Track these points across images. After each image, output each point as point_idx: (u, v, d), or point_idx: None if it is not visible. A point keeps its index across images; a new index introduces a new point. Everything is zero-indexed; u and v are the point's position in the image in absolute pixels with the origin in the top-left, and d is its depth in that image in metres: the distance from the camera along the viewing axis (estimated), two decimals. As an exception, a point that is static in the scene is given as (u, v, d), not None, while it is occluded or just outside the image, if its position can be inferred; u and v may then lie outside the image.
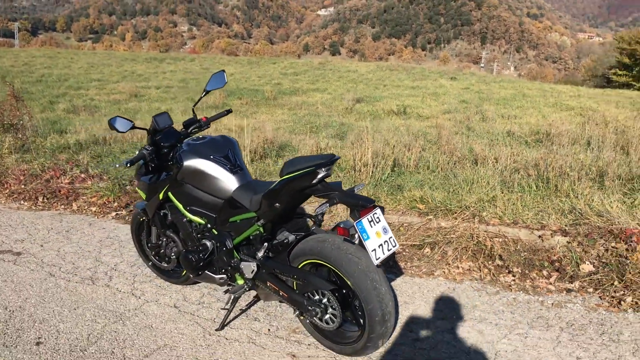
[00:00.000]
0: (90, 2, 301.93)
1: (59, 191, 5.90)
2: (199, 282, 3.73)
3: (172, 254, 3.57)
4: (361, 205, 2.52)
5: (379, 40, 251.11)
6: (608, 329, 3.16)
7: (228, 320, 3.19)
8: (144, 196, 3.33)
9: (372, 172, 5.71)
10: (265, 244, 2.91)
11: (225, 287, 3.27)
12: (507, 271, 4.00)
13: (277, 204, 2.71)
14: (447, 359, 2.85)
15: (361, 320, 2.73)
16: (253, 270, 2.92)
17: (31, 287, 3.70)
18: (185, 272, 3.60)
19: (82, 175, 6.18)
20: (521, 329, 3.18)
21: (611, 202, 4.56)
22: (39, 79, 21.48)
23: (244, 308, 3.36)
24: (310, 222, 2.98)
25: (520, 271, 3.96)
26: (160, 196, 3.22)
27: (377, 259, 2.51)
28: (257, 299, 3.36)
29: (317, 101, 17.68)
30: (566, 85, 32.35)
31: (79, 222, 5.17)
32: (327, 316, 2.75)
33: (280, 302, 3.07)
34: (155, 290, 3.68)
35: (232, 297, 3.13)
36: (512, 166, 6.00)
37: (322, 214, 2.84)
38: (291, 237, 2.94)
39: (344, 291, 2.72)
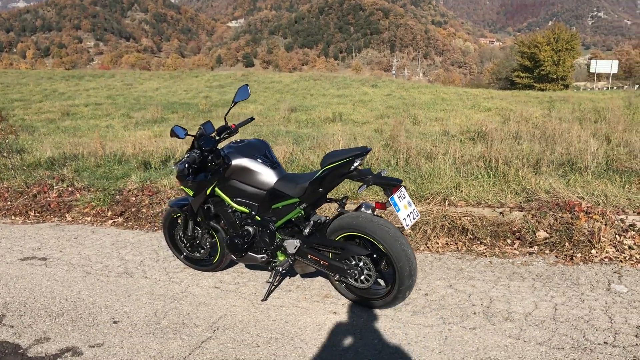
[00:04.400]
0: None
1: (49, 205, 6.19)
2: (227, 268, 4.28)
3: (207, 243, 4.12)
4: (392, 185, 3.21)
5: (292, 51, 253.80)
6: (568, 277, 4.01)
7: (268, 292, 3.77)
8: (191, 193, 3.84)
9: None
10: (311, 222, 3.54)
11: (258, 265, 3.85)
12: (478, 242, 4.80)
13: (320, 189, 3.36)
14: (454, 305, 3.58)
15: (388, 279, 3.42)
16: (296, 246, 3.54)
17: (76, 283, 4.11)
18: (217, 259, 4.16)
19: (70, 189, 6.48)
20: (503, 282, 3.96)
21: (551, 182, 5.50)
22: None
23: (275, 283, 3.95)
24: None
25: (489, 241, 4.77)
26: (208, 191, 3.75)
27: (407, 225, 3.22)
28: (283, 275, 3.95)
29: (252, 112, 18.23)
30: (478, 88, 34.65)
31: (81, 231, 5.53)
32: (362, 277, 3.41)
33: (316, 272, 3.69)
34: (191, 277, 4.20)
35: (275, 271, 3.73)
36: (461, 159, 6.89)
37: (346, 197, 3.55)
38: (322, 218, 3.60)
39: (375, 255, 3.39)
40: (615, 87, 57.77)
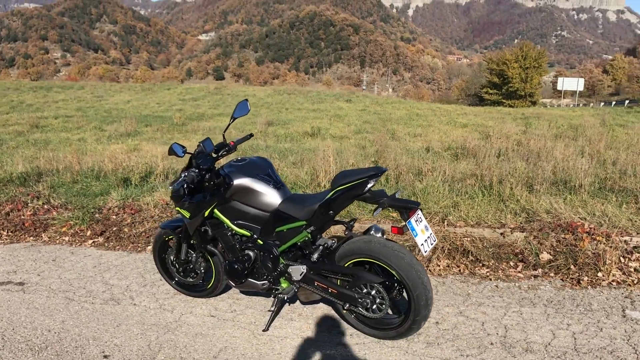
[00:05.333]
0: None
1: (24, 224, 5.83)
2: (221, 294, 4.02)
3: (201, 268, 3.85)
4: (410, 208, 3.01)
5: (263, 65, 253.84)
6: (579, 302, 3.86)
7: (270, 321, 3.51)
8: (187, 215, 3.56)
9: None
10: (320, 247, 3.31)
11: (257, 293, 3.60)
12: (481, 265, 4.63)
13: (331, 212, 3.14)
14: (469, 334, 3.38)
15: (401, 308, 3.21)
16: (302, 273, 3.30)
17: (59, 311, 3.79)
18: (211, 285, 3.89)
19: (45, 207, 6.12)
20: (514, 308, 3.79)
21: (551, 202, 5.39)
22: None
23: (274, 311, 3.70)
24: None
25: (492, 264, 4.61)
26: (207, 213, 3.49)
27: (425, 252, 3.02)
28: (281, 303, 3.70)
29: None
30: (450, 104, 34.98)
31: (59, 252, 5.19)
32: (374, 306, 3.19)
33: (319, 298, 3.45)
34: (184, 304, 3.92)
35: (277, 299, 3.47)
36: (452, 177, 6.75)
37: (354, 220, 3.34)
38: (330, 242, 3.38)
39: (388, 283, 3.18)
40: (581, 104, 59.09)
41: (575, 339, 3.29)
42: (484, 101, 65.78)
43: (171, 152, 3.42)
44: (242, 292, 4.12)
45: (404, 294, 3.24)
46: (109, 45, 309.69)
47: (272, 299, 3.80)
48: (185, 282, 4.00)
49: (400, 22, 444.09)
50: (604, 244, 4.59)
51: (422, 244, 3.04)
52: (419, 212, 3.10)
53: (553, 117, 21.13)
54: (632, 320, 3.55)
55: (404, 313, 3.24)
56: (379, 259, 3.09)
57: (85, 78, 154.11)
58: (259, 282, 3.50)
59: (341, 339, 3.36)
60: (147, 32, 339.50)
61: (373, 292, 3.18)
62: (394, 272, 3.08)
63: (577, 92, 57.00)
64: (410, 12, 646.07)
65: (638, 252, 4.53)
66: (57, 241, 5.53)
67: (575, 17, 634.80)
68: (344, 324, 3.53)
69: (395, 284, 3.20)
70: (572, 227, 4.83)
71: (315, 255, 3.30)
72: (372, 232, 3.28)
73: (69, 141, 13.30)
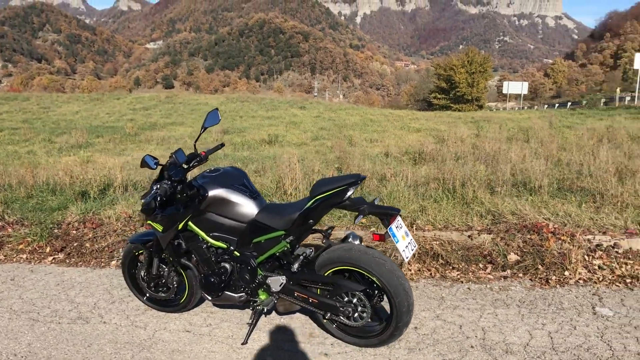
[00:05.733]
0: None
1: (-25, 242, 5.54)
2: (194, 308, 3.91)
3: (174, 282, 3.74)
4: (390, 214, 2.99)
5: (213, 73, 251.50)
6: (551, 302, 3.93)
7: (249, 334, 3.43)
8: (160, 228, 3.44)
9: (305, 194, 6.17)
10: (300, 257, 3.26)
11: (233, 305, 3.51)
12: (451, 268, 4.67)
13: (311, 220, 3.10)
14: (449, 338, 3.39)
15: (382, 315, 3.20)
16: (281, 284, 3.24)
17: (24, 333, 3.60)
18: (184, 299, 3.78)
19: (0, 223, 5.84)
20: (489, 310, 3.83)
21: (516, 203, 5.50)
22: None
23: (252, 324, 3.62)
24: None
25: (462, 267, 4.66)
26: (180, 226, 3.38)
27: (406, 258, 3.01)
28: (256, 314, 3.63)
29: (182, 134, 17.66)
30: (402, 110, 35.46)
31: (17, 270, 4.95)
32: (356, 314, 3.16)
33: (301, 310, 3.40)
34: (156, 320, 3.79)
35: (256, 311, 3.39)
36: (415, 181, 6.81)
37: (332, 228, 3.32)
38: (308, 250, 3.33)
39: (369, 290, 3.16)
40: (525, 107, 60.89)
41: (551, 338, 3.34)
42: (432, 106, 66.97)
43: (144, 164, 3.32)
44: (215, 305, 4.02)
45: (384, 300, 3.23)
46: (53, 54, 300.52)
47: (248, 311, 3.73)
48: (157, 297, 3.87)
49: (349, 29, 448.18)
50: (569, 243, 4.71)
51: (404, 250, 3.03)
52: (399, 218, 3.09)
53: (502, 120, 21.66)
54: (603, 317, 3.64)
55: (385, 320, 3.23)
56: (360, 266, 3.07)
57: (29, 89, 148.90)
58: (236, 295, 3.42)
59: (322, 348, 3.31)
60: (93, 41, 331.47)
61: (354, 300, 3.15)
62: (375, 279, 3.06)
63: (522, 95, 58.84)
64: (358, 19, 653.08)
65: (601, 250, 4.66)
66: (15, 259, 5.27)
67: (517, 22, 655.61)
68: (324, 334, 3.49)
69: (376, 291, 3.18)
70: (537, 227, 4.94)
71: (296, 265, 3.25)
72: (350, 239, 3.25)
73: (17, 154, 12.78)
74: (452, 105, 64.19)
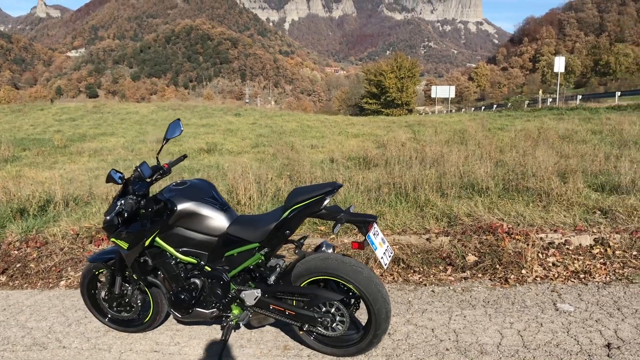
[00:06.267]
0: None
1: None
2: (158, 327, 3.76)
3: (138, 301, 3.58)
4: (368, 222, 2.98)
5: (139, 80, 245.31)
6: (514, 300, 4.04)
7: (221, 352, 3.32)
8: (125, 246, 3.27)
9: (259, 203, 6.08)
10: (278, 269, 3.19)
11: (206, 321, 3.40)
12: (412, 271, 4.72)
13: (287, 231, 3.04)
14: (423, 342, 3.41)
15: (358, 324, 3.18)
16: (256, 297, 3.16)
17: (-25, 366, 3.34)
18: (148, 318, 3.63)
19: None
20: (456, 311, 3.89)
21: (470, 205, 5.64)
22: None
23: (225, 340, 3.52)
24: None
25: (423, 269, 4.72)
26: (147, 242, 3.23)
27: (385, 264, 3.01)
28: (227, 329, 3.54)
29: (115, 145, 17.11)
30: (336, 115, 35.78)
31: (-46, 297, 4.61)
32: (334, 324, 3.12)
33: (275, 323, 3.32)
34: (120, 341, 3.61)
35: (227, 327, 3.28)
36: (367, 187, 6.86)
37: (305, 237, 3.28)
38: (281, 262, 3.27)
39: (346, 299, 3.13)
40: (453, 110, 62.86)
41: (521, 336, 3.43)
42: (364, 111, 68.01)
43: (109, 179, 3.16)
44: (181, 322, 3.88)
45: (360, 309, 3.22)
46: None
47: (215, 326, 3.64)
48: (120, 317, 3.69)
49: (278, 35, 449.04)
50: (523, 242, 4.87)
51: (382, 257, 3.02)
52: (375, 225, 3.08)
53: (435, 124, 22.20)
54: (565, 312, 3.77)
55: (363, 328, 3.21)
56: (338, 275, 3.03)
57: None
58: (207, 311, 3.31)
59: (299, 361, 3.26)
60: (9, 50, 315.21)
61: (332, 310, 3.12)
62: (352, 287, 3.04)
63: (449, 99, 60.69)
64: (287, 25, 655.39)
65: (553, 248, 4.85)
66: (-53, 284, 4.91)
67: (440, 28, 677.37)
68: (299, 345, 3.43)
69: (354, 300, 3.16)
70: (492, 228, 5.07)
71: (273, 278, 3.17)
72: (323, 248, 3.22)
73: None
74: (383, 110, 65.39)
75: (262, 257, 3.15)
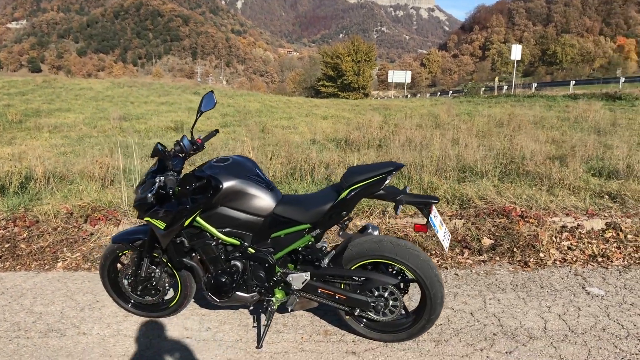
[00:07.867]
0: None
1: None
2: (181, 311, 3.55)
3: (166, 285, 3.36)
4: (430, 203, 2.85)
5: (86, 56, 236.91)
6: (542, 284, 4.01)
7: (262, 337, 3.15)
8: (162, 226, 3.02)
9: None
10: (332, 252, 3.02)
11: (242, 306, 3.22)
12: (429, 254, 4.64)
13: (344, 212, 2.88)
14: (467, 327, 3.33)
15: (409, 308, 3.07)
16: (304, 281, 2.99)
17: (-7, 355, 3.05)
18: (174, 302, 3.42)
19: None
20: (488, 295, 3.83)
21: (480, 187, 5.60)
22: None
23: (255, 325, 3.36)
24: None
25: (439, 253, 4.65)
26: (187, 222, 3.00)
27: (446, 247, 2.90)
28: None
29: (75, 122, 16.39)
30: (297, 97, 35.47)
31: (-56, 281, 4.24)
32: (387, 309, 3.00)
33: (322, 307, 3.17)
34: (145, 327, 3.38)
35: (269, 312, 3.10)
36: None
37: (349, 219, 3.13)
38: (325, 244, 3.11)
39: (401, 284, 3.00)
40: (409, 95, 63.42)
41: (564, 320, 3.39)
42: (320, 93, 67.79)
43: (156, 153, 2.92)
44: (201, 306, 3.68)
45: (407, 293, 3.10)
46: None
47: (243, 311, 3.48)
48: (144, 301, 3.45)
49: (230, 14, 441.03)
50: (536, 225, 4.86)
51: (443, 240, 2.91)
52: (434, 207, 2.96)
53: (400, 108, 22.29)
54: (597, 296, 3.76)
55: (415, 313, 3.11)
56: (393, 259, 2.90)
57: None
58: (248, 295, 3.12)
59: (346, 347, 3.12)
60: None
61: (386, 294, 2.99)
62: (409, 271, 2.92)
63: (406, 84, 61.20)
64: (239, 4, 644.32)
65: (567, 232, 4.86)
66: (-62, 267, 4.52)
67: (393, 13, 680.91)
68: (339, 330, 3.29)
69: (409, 284, 3.04)
70: (505, 211, 5.05)
71: (326, 260, 3.01)
72: (369, 230, 3.08)
73: None
74: (339, 93, 65.30)
75: (312, 239, 2.98)
